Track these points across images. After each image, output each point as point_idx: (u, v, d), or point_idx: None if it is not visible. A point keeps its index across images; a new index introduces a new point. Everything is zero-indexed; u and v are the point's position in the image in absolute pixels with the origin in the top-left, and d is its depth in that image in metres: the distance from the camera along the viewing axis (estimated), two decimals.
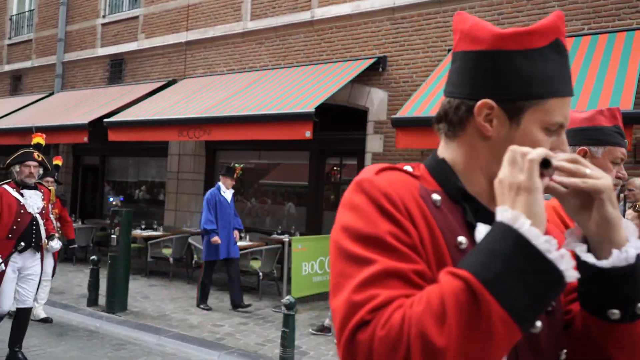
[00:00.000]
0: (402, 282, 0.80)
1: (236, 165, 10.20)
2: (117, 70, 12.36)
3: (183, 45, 11.11)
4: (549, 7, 7.24)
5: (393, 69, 8.43)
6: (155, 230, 10.05)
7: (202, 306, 7.05)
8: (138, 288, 8.07)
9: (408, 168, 0.97)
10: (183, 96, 9.80)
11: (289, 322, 4.90)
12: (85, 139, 10.05)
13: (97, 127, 9.84)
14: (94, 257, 7.03)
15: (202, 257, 7.21)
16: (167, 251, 9.22)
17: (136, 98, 10.69)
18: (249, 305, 6.99)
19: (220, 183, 7.26)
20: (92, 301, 6.98)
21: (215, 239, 6.92)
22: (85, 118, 10.24)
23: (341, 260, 0.84)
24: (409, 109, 6.87)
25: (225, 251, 7.07)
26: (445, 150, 1.01)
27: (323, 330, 6.00)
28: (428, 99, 6.93)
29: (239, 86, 9.40)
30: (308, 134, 7.38)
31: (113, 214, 7.01)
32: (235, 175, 7.59)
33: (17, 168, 4.86)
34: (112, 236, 6.86)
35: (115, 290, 6.73)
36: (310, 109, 7.39)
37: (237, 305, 6.98)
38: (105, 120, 9.77)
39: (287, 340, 4.90)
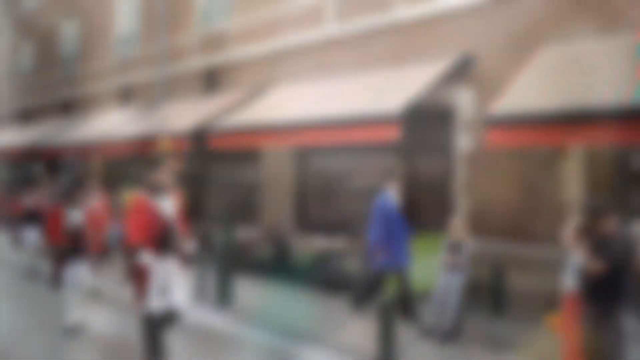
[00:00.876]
0: None
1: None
2: (211, 80, 13.14)
3: (272, 53, 11.59)
4: None
5: (480, 66, 8.29)
6: (252, 232, 10.61)
7: (356, 310, 6.87)
8: (243, 286, 8.56)
9: None
10: (275, 103, 10.26)
11: (390, 321, 5.05)
12: (187, 147, 10.85)
13: (198, 135, 10.59)
14: (200, 256, 7.59)
15: (378, 264, 6.86)
16: (264, 251, 9.72)
17: (231, 106, 11.33)
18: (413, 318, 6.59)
19: (389, 189, 6.92)
20: (201, 298, 7.55)
21: (380, 254, 6.71)
22: (186, 127, 11.03)
23: None
24: (499, 107, 6.76)
25: (405, 260, 6.77)
26: None
27: (431, 331, 6.02)
28: (518, 95, 6.77)
29: (326, 91, 9.68)
30: (395, 135, 7.49)
31: (216, 216, 7.54)
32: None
33: (150, 175, 4.86)
34: (217, 237, 7.39)
35: (223, 287, 7.24)
36: (397, 109, 7.50)
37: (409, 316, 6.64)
38: (204, 128, 10.48)
39: (389, 339, 5.05)
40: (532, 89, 6.77)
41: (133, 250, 4.68)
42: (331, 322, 6.65)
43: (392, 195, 6.91)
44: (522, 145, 7.36)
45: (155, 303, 4.73)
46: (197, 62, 13.61)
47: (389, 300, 5.12)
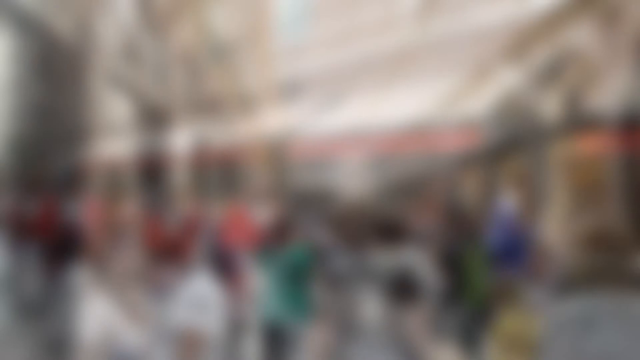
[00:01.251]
0: None
1: None
2: (289, 93, 13.45)
3: (347, 64, 11.70)
4: None
5: (571, 67, 7.92)
6: (330, 239, 10.77)
7: None
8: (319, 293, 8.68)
9: None
10: (354, 111, 10.37)
11: (473, 335, 4.93)
12: (276, 157, 11.24)
13: (280, 145, 10.93)
14: None
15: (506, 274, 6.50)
16: (341, 259, 9.83)
17: (310, 116, 11.58)
18: None
19: (506, 197, 6.74)
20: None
21: (507, 264, 6.57)
22: (271, 137, 11.43)
23: None
24: (591, 110, 6.43)
25: (520, 269, 6.64)
26: None
27: None
28: (614, 98, 6.40)
29: (405, 99, 9.64)
30: (477, 142, 7.34)
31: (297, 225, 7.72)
32: None
33: (243, 185, 5.11)
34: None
35: (297, 294, 7.38)
36: (477, 116, 7.35)
37: None
38: (285, 138, 10.81)
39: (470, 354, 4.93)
40: (628, 92, 6.38)
41: (228, 254, 4.79)
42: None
43: (509, 203, 6.70)
44: (617, 149, 6.94)
45: (247, 312, 4.80)
46: (275, 73, 13.98)
47: (472, 312, 4.99)
